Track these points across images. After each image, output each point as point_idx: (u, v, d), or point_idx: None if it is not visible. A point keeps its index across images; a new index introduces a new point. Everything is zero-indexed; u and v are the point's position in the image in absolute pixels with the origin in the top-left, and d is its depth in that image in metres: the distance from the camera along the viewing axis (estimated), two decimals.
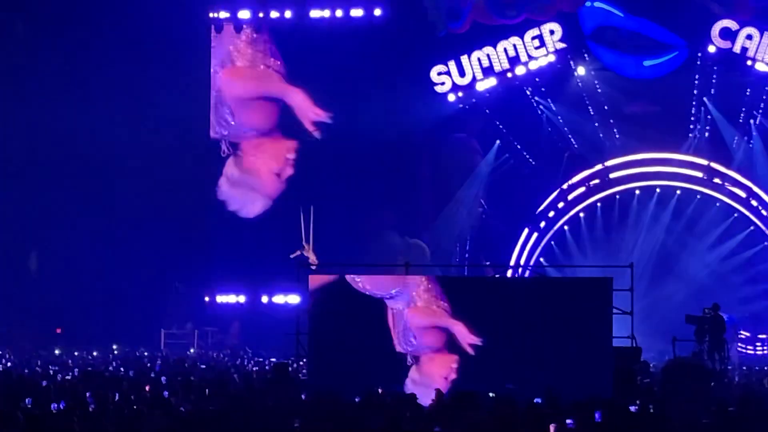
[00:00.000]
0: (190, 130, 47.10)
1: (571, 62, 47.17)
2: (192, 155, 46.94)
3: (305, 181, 46.55)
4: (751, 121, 47.65)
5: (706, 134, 48.31)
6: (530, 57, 46.73)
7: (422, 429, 16.47)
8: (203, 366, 34.82)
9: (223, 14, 47.40)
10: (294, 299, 43.45)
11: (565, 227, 50.19)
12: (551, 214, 49.96)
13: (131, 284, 46.45)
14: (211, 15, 47.35)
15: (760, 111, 47.06)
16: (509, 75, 47.08)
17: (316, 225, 45.67)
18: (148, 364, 35.39)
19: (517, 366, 26.05)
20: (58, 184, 47.45)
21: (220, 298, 48.34)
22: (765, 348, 46.60)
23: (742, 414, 21.21)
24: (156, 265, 46.67)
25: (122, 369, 32.74)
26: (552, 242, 50.12)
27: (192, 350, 43.78)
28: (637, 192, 49.49)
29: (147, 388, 23.77)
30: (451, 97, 47.49)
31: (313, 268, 37.30)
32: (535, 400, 20.83)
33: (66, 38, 47.28)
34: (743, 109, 47.30)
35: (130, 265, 46.57)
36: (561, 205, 49.96)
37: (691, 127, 48.39)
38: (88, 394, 20.70)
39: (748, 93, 46.81)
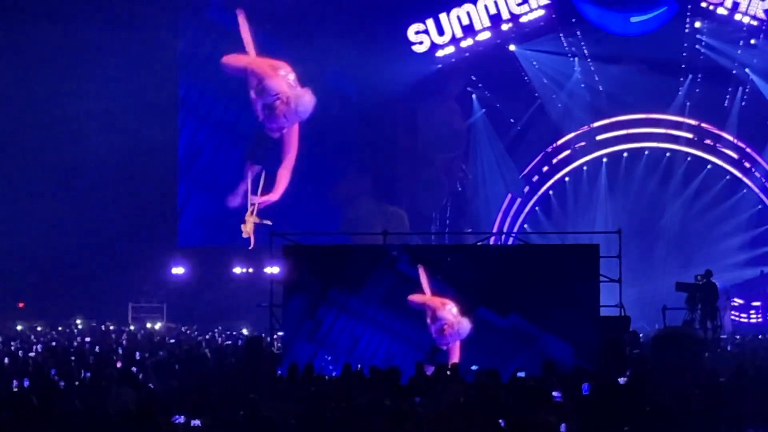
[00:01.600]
0: (154, 97, 45.73)
1: (554, 17, 45.56)
2: (155, 123, 45.60)
3: (275, 144, 45.15)
4: (743, 83, 46.54)
5: (697, 92, 47.18)
6: (512, 15, 45.12)
7: (403, 402, 15.44)
8: (172, 341, 33.75)
9: None
10: (267, 269, 42.10)
11: (550, 192, 49.63)
12: (535, 178, 49.42)
13: (95, 256, 45.31)
14: None
15: (752, 68, 45.81)
16: (490, 34, 45.39)
17: (290, 190, 44.31)
18: (116, 340, 34.65)
19: (500, 337, 24.93)
20: (19, 155, 46.23)
21: (189, 270, 47.19)
22: (759, 316, 45.95)
23: (734, 385, 20.83)
24: (120, 237, 45.48)
25: (88, 344, 31.69)
26: (536, 208, 49.48)
27: (159, 325, 42.67)
28: (625, 155, 48.81)
29: (118, 364, 22.97)
30: (430, 57, 45.94)
31: (244, 236, 35.90)
32: (517, 374, 20.24)
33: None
34: (734, 66, 45.95)
35: (93, 236, 45.42)
36: (545, 168, 49.39)
37: (681, 86, 47.20)
38: (53, 372, 20.40)
39: (739, 52, 45.46)
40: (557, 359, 22.32)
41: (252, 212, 39.81)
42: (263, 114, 39.94)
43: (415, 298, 25.39)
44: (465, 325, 25.14)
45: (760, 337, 36.31)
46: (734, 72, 46.18)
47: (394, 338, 25.45)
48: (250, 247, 34.94)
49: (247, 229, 39.50)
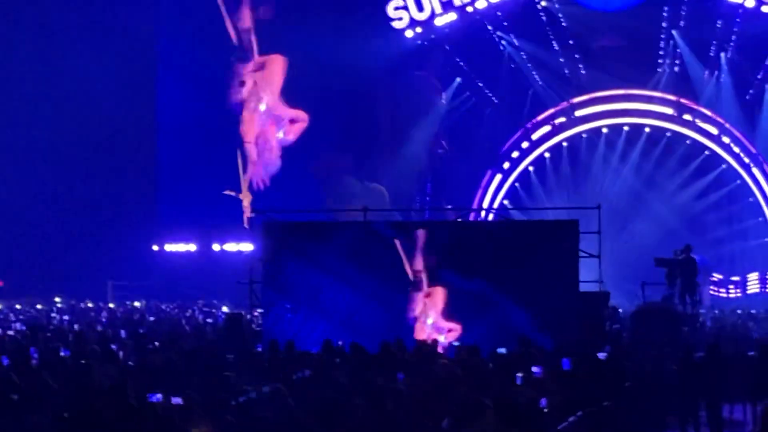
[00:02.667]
0: (131, 76, 45.54)
1: None
2: (135, 101, 45.37)
3: None
4: (722, 54, 46.43)
5: (676, 69, 47.16)
6: None
7: (385, 377, 15.47)
8: (152, 318, 33.59)
9: None
10: (247, 247, 41.97)
11: (530, 168, 49.52)
12: (515, 154, 49.28)
13: (74, 235, 45.04)
14: None
15: (731, 44, 45.77)
16: (469, 9, 45.25)
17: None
18: (95, 318, 34.70)
19: (480, 313, 24.77)
20: None
21: (169, 247, 46.96)
22: (738, 291, 46.02)
23: (710, 359, 20.79)
24: (101, 215, 45.22)
25: (67, 322, 31.75)
26: (516, 184, 49.38)
27: (138, 303, 42.48)
28: (605, 130, 48.74)
29: (96, 341, 22.52)
30: (409, 33, 45.83)
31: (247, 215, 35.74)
32: (498, 350, 20.05)
33: None
34: (714, 42, 45.93)
35: (73, 214, 45.14)
36: (525, 144, 49.29)
37: (660, 62, 47.20)
38: (32, 349, 20.02)
39: (719, 25, 45.39)
40: (537, 334, 22.34)
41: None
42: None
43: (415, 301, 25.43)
44: (443, 324, 25.17)
45: (738, 311, 36.44)
46: (711, 53, 46.18)
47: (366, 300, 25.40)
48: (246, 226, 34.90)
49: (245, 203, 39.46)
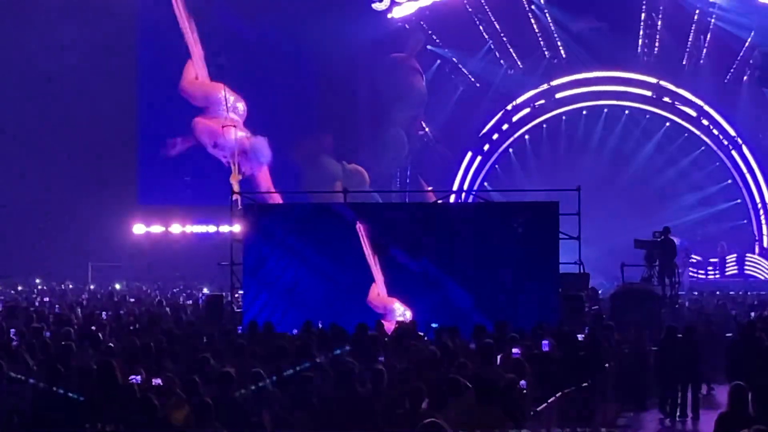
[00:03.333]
0: (111, 53, 45.44)
1: None
2: (114, 83, 45.23)
3: None
4: (701, 37, 46.53)
5: (655, 51, 47.14)
6: None
7: (366, 359, 15.39)
8: (132, 300, 33.49)
9: None
10: (227, 229, 41.87)
11: (510, 150, 49.63)
12: (495, 136, 49.34)
13: (54, 216, 44.83)
14: None
15: (711, 27, 45.82)
16: None
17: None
18: (76, 299, 34.20)
19: (461, 294, 24.77)
20: None
21: (150, 229, 46.82)
22: (716, 272, 46.16)
23: (687, 341, 21.05)
24: (81, 197, 44.98)
25: (48, 304, 31.44)
26: (496, 166, 49.46)
27: (118, 285, 42.33)
28: (584, 112, 48.75)
29: (77, 323, 22.69)
30: (390, 16, 45.70)
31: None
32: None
33: None
34: (693, 24, 45.96)
35: (53, 196, 44.95)
36: (505, 127, 49.36)
37: (640, 43, 47.19)
38: (12, 331, 20.00)
39: (698, 8, 45.42)
40: (517, 315, 22.31)
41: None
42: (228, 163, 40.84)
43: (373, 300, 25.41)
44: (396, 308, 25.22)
45: (717, 293, 36.56)
46: (690, 36, 46.23)
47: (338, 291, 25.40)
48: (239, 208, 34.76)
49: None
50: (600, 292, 31.54)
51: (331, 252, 25.54)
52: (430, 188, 45.04)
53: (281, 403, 13.01)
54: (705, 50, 46.68)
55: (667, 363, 21.05)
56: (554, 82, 48.22)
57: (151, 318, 23.74)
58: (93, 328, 21.28)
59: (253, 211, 26.94)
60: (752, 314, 26.29)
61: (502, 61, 47.95)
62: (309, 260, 25.75)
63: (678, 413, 21.08)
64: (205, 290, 37.98)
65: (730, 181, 48.10)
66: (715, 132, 47.69)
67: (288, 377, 13.47)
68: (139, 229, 47.01)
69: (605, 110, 48.46)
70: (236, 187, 38.85)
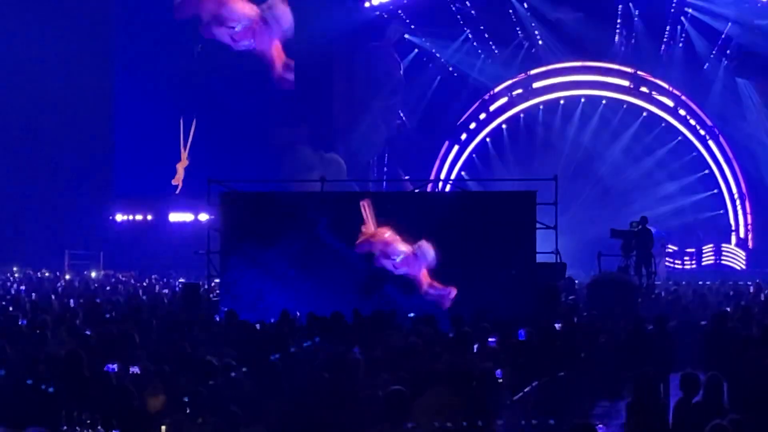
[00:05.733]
0: (87, 41, 45.20)
1: None
2: (91, 72, 45.02)
3: (212, 92, 44.69)
4: (678, 27, 46.60)
5: (632, 41, 47.20)
6: None
7: (342, 348, 15.26)
8: (109, 288, 33.41)
9: None
10: (204, 217, 41.79)
11: (487, 139, 49.68)
12: (472, 125, 49.37)
13: (31, 204, 44.64)
14: None
15: (687, 16, 45.87)
16: None
17: (227, 138, 43.95)
18: (52, 287, 33.91)
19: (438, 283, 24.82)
20: None
21: (126, 217, 46.64)
22: (693, 262, 46.30)
23: (659, 331, 20.88)
24: (57, 184, 44.83)
25: (24, 291, 31.34)
26: (473, 155, 49.49)
27: (94, 273, 42.17)
28: (562, 102, 48.85)
29: (53, 311, 22.45)
30: (367, 4, 45.65)
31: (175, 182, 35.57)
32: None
33: None
34: (670, 14, 45.99)
35: (29, 184, 44.79)
36: (483, 116, 49.40)
37: (617, 32, 47.25)
38: None
39: (674, 3, 45.49)
40: (493, 305, 22.33)
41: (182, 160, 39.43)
42: (235, 42, 37.92)
43: (361, 239, 25.25)
44: (425, 247, 25.04)
45: (699, 283, 36.70)
46: (668, 24, 46.29)
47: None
48: (177, 192, 34.41)
49: (178, 177, 39.05)
50: (576, 281, 31.63)
51: (308, 241, 25.54)
52: (407, 177, 45.03)
53: (251, 393, 12.99)
54: (682, 41, 46.70)
55: (639, 353, 21.15)
56: (532, 72, 48.28)
57: (128, 306, 23.73)
58: (69, 316, 21.14)
59: (230, 200, 26.91)
60: (728, 309, 26.35)
61: (479, 51, 47.91)
62: (286, 249, 25.75)
63: None
64: (182, 279, 37.90)
65: (706, 171, 48.25)
66: (692, 122, 47.85)
67: (259, 366, 13.41)
68: (115, 217, 46.80)
69: (582, 100, 48.55)
70: (180, 174, 38.53)
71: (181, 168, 39.70)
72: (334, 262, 25.29)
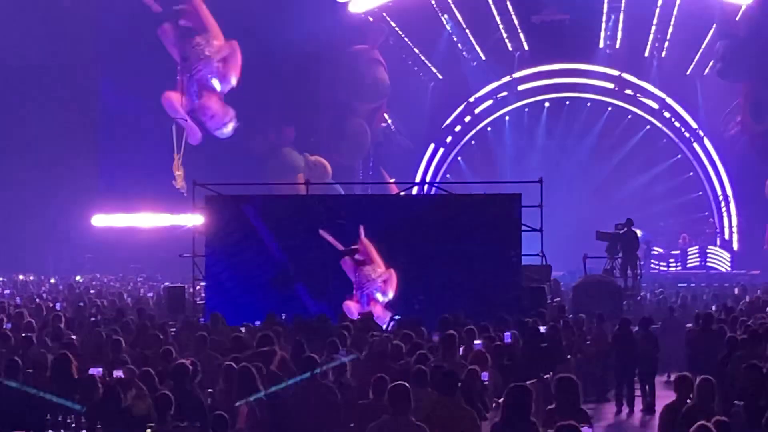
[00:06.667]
0: (72, 44, 44.96)
1: None
2: (76, 77, 44.98)
3: None
4: (664, 30, 46.64)
5: (618, 44, 47.21)
6: None
7: (328, 351, 15.55)
8: (93, 291, 33.37)
9: None
10: (190, 221, 41.64)
11: (473, 142, 49.64)
12: (458, 128, 49.30)
13: (15, 207, 44.42)
14: None
15: (673, 19, 45.89)
16: None
17: (212, 141, 43.83)
18: (36, 291, 34.40)
19: (423, 286, 24.97)
20: None
21: (111, 221, 46.49)
22: (678, 264, 46.35)
23: (644, 332, 21.56)
24: (41, 188, 44.64)
25: (8, 296, 31.15)
26: (459, 158, 49.45)
27: (79, 278, 42.04)
28: (547, 104, 48.84)
29: (38, 315, 22.59)
30: (352, 7, 45.58)
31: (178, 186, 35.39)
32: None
33: None
34: (655, 17, 46.02)
35: (13, 188, 44.59)
36: (468, 119, 49.33)
37: (602, 35, 47.25)
38: None
39: (659, 5, 45.47)
40: (479, 307, 22.39)
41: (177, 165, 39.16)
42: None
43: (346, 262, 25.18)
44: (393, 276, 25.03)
45: (680, 285, 36.81)
46: (653, 27, 46.33)
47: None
48: (185, 195, 34.25)
49: (179, 182, 38.82)
50: (562, 284, 31.71)
51: (294, 244, 25.55)
52: (392, 180, 44.93)
53: (231, 397, 12.98)
54: (667, 43, 46.76)
55: (622, 355, 21.26)
56: (516, 75, 48.21)
57: (113, 310, 23.72)
58: (53, 320, 21.11)
59: (215, 203, 26.90)
60: (713, 307, 26.48)
61: (464, 53, 47.90)
62: (272, 252, 25.77)
63: (634, 404, 21.46)
64: (167, 283, 37.81)
65: (691, 174, 48.35)
66: (677, 124, 47.92)
67: (240, 370, 13.38)
68: (100, 220, 46.60)
69: (567, 102, 48.56)
70: (179, 177, 38.31)
71: (178, 171, 39.55)
72: (321, 266, 25.30)
